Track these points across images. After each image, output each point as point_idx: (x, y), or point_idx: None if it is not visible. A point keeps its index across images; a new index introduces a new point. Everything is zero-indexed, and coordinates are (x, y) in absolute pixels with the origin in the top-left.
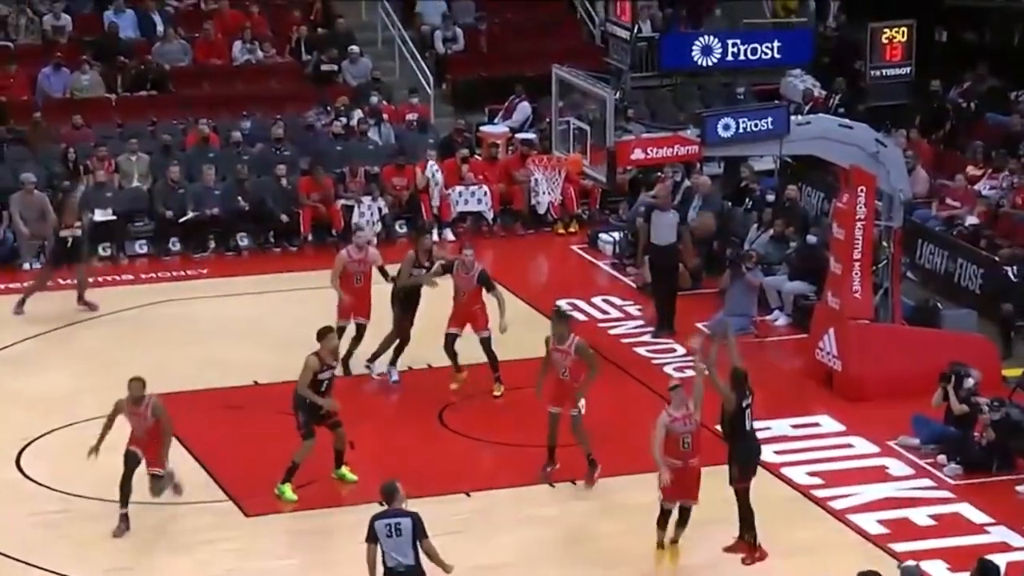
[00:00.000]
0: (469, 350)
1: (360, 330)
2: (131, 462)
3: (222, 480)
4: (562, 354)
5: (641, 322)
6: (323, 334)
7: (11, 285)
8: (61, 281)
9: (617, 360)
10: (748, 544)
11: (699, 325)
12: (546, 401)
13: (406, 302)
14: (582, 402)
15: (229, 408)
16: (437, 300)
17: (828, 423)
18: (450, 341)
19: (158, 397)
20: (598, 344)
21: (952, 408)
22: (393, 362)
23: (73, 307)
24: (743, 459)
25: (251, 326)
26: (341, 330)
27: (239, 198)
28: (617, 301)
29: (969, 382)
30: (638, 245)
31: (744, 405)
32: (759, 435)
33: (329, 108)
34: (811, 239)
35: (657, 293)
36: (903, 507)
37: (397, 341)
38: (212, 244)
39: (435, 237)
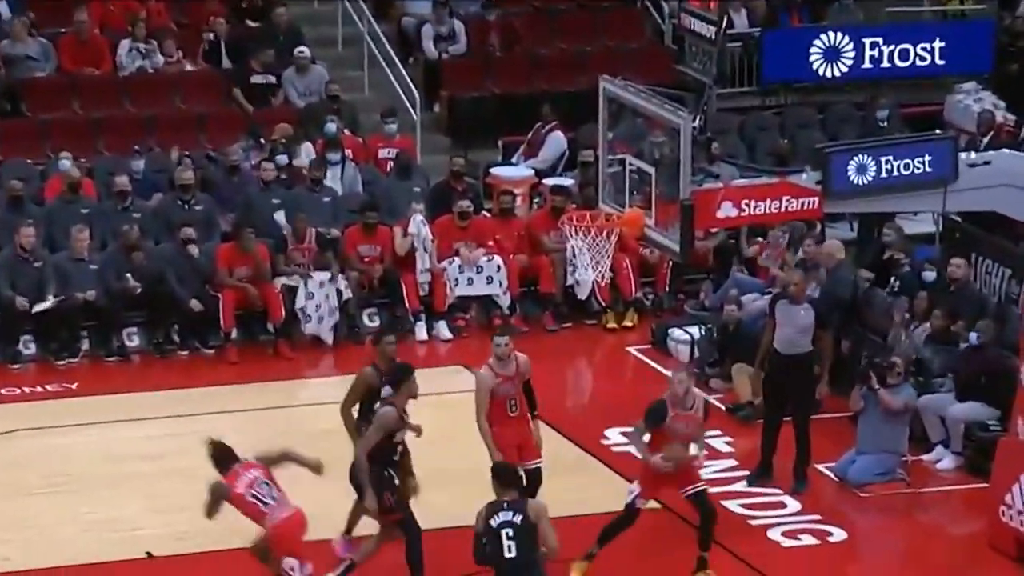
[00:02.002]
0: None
1: (534, 477)
2: None
3: None
4: None
5: (733, 462)
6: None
7: None
8: None
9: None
10: None
11: (820, 467)
12: None
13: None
14: None
15: None
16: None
17: None
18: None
19: None
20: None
21: None
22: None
23: None
24: None
25: (145, 469)
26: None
27: (127, 276)
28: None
29: None
30: (725, 347)
31: None
32: None
33: (263, 140)
34: (974, 337)
35: (770, 423)
36: None
37: None
38: (86, 345)
39: (423, 334)
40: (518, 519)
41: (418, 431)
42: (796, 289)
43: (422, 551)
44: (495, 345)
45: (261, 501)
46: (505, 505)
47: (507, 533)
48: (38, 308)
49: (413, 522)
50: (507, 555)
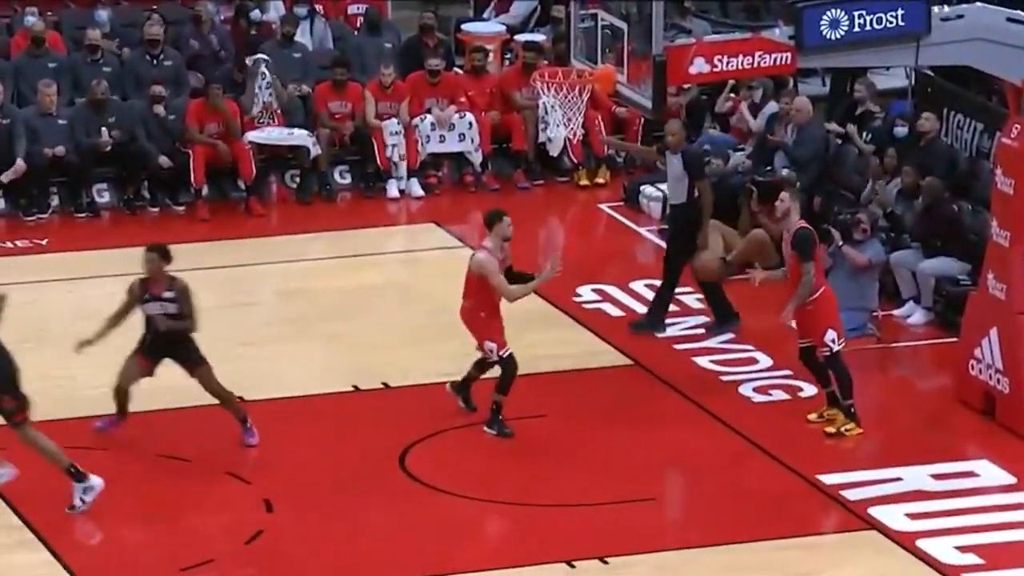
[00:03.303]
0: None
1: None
2: None
3: (71, 563)
4: None
5: (705, 319)
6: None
7: None
8: None
9: (670, 377)
10: None
11: (793, 324)
12: None
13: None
14: None
15: (79, 449)
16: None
17: (989, 472)
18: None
19: None
20: (640, 352)
21: None
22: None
23: None
24: None
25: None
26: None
27: (102, 130)
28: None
29: None
30: None
31: None
32: (889, 485)
33: None
34: (921, 200)
35: (663, 274)
36: None
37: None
38: (55, 201)
39: (395, 192)
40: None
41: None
42: (672, 140)
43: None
44: (506, 224)
45: None
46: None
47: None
48: (6, 178)
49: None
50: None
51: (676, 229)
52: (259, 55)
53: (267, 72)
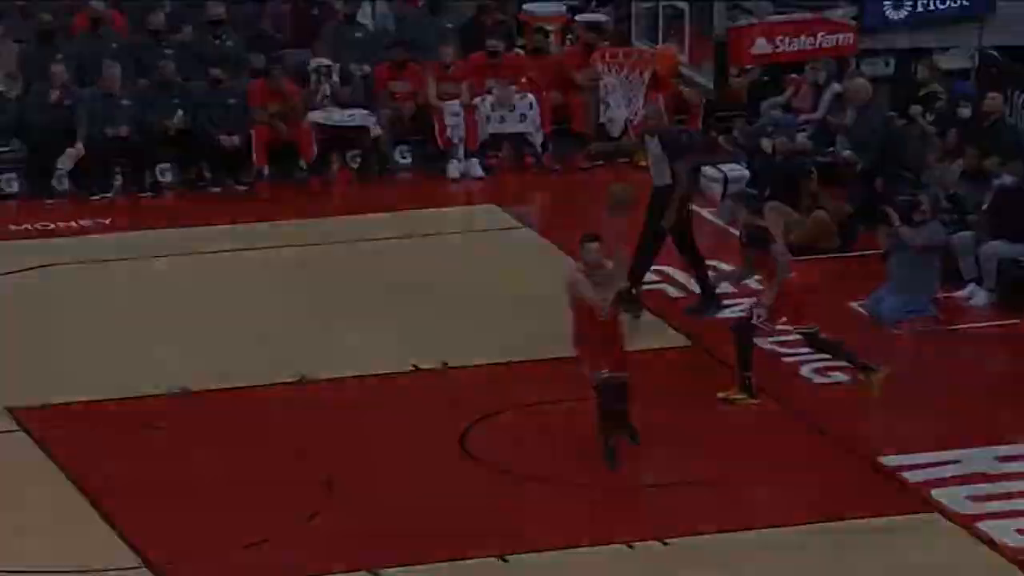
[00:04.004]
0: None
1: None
2: None
3: (134, 540)
4: None
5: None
6: None
7: None
8: None
9: (730, 358)
10: None
11: (852, 304)
12: None
13: None
14: None
15: (144, 428)
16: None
17: None
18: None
19: None
20: (700, 334)
21: None
22: None
23: None
24: None
25: (178, 304)
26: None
27: (178, 111)
28: (730, 269)
29: None
30: (761, 180)
31: None
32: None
33: None
34: (1007, 180)
35: (685, 259)
36: None
37: None
38: (119, 181)
39: (456, 172)
40: None
41: None
42: (650, 123)
43: None
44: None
45: None
46: None
47: None
48: (63, 166)
49: None
50: None
51: (656, 208)
52: (322, 60)
53: (329, 74)
